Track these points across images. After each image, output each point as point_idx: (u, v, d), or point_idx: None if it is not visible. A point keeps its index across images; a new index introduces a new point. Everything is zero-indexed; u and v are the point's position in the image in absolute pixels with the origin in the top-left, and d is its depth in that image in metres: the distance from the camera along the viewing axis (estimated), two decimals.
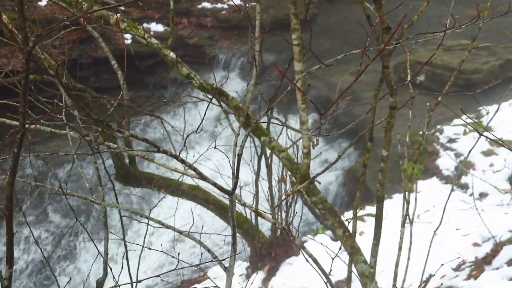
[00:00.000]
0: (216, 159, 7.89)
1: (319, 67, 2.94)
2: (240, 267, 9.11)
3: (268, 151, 8.06)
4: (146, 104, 14.36)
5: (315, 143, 3.57)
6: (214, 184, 3.33)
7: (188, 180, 8.22)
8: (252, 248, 8.47)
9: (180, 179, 7.79)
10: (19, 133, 1.84)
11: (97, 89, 13.68)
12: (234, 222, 3.45)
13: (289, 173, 8.28)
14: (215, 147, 3.36)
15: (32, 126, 4.38)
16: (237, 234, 7.99)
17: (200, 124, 3.01)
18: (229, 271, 3.65)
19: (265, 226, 9.60)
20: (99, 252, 4.25)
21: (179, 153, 3.07)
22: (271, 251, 8.29)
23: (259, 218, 8.33)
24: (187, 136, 3.08)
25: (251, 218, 8.36)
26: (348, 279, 5.17)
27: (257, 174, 7.87)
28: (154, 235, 10.51)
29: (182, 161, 3.12)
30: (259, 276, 8.48)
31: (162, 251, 4.93)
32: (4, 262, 2.05)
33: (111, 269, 5.16)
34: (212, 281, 4.86)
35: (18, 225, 12.50)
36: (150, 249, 4.86)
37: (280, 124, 4.00)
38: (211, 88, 4.88)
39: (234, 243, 3.51)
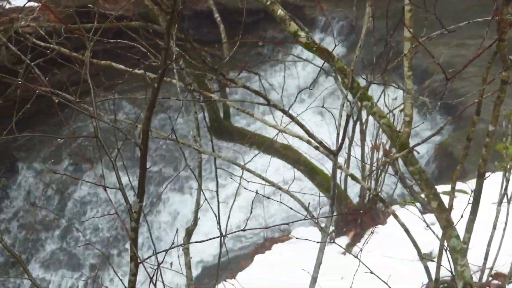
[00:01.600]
0: (307, 119, 7.88)
1: (440, 33, 2.87)
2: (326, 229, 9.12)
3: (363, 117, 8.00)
4: (242, 61, 14.43)
5: (430, 108, 3.49)
6: (320, 143, 3.31)
7: (280, 139, 8.23)
8: (338, 212, 8.46)
9: (274, 137, 7.81)
10: (160, 69, 1.85)
11: (196, 42, 13.77)
12: (335, 183, 3.44)
13: (382, 141, 8.20)
14: (323, 106, 3.33)
15: (139, 72, 4.45)
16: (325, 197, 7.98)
17: (314, 81, 2.99)
18: (324, 231, 3.65)
19: (351, 193, 9.55)
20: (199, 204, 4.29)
21: (289, 109, 3.06)
22: (358, 217, 8.25)
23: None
24: (300, 91, 3.07)
25: (340, 183, 8.34)
26: (440, 253, 5.09)
27: (351, 139, 7.82)
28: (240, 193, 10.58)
29: (290, 116, 3.11)
30: (343, 241, 8.47)
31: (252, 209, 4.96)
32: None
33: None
34: (298, 238, 4.88)
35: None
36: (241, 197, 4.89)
37: (397, 87, 3.93)
38: (318, 47, 4.83)
39: (333, 204, 3.51)
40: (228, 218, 5.43)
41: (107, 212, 12.34)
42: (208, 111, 8.26)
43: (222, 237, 5.77)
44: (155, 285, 2.20)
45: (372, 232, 3.89)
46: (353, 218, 8.41)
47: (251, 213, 2.74)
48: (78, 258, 12.14)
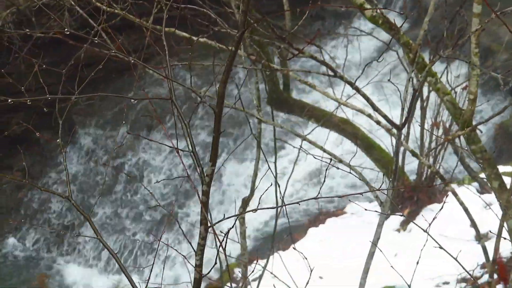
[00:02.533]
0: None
1: None
2: (379, 207, 9.08)
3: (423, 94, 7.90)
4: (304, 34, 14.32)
5: (503, 85, 3.44)
6: (385, 116, 3.28)
7: (339, 113, 8.20)
8: (389, 193, 8.40)
9: (334, 111, 7.76)
10: (239, 31, 1.86)
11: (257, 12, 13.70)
12: (398, 158, 3.41)
13: (442, 119, 8.10)
14: (388, 80, 3.29)
15: (203, 40, 4.46)
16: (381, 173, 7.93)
17: (383, 53, 2.96)
18: (384, 206, 3.63)
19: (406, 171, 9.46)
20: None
21: (355, 81, 3.04)
22: (414, 194, 8.19)
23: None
24: (367, 64, 3.04)
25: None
26: (499, 233, 5.02)
27: (411, 115, 7.73)
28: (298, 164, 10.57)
29: (357, 89, 3.09)
30: (398, 218, 8.42)
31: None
32: None
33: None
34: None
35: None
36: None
37: (468, 62, 3.87)
38: (383, 21, 4.78)
39: (394, 179, 3.48)
40: (286, 188, 5.45)
41: (164, 178, 12.47)
42: (268, 83, 8.25)
43: (279, 208, 5.80)
44: (224, 249, 2.22)
45: (442, 207, 3.83)
46: (409, 196, 8.35)
47: (324, 180, 2.72)
48: (136, 221, 12.29)
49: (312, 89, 3.67)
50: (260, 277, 6.50)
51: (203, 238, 2.21)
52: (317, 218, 9.59)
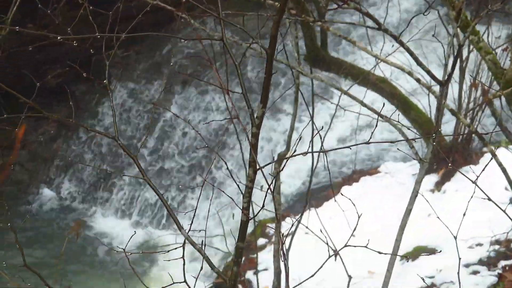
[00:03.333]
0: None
1: None
2: (414, 167, 9.03)
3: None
4: None
5: None
6: (428, 72, 3.25)
7: (376, 72, 8.13)
8: (429, 149, 8.35)
9: (372, 69, 7.70)
10: None
11: None
12: (440, 114, 3.38)
13: (481, 80, 8.00)
14: (433, 35, 3.24)
15: None
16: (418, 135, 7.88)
17: (429, 6, 2.91)
18: (423, 163, 3.62)
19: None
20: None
21: (399, 35, 3.01)
22: (450, 155, 8.14)
23: None
24: (414, 16, 2.99)
25: (431, 118, 8.23)
26: None
27: (450, 75, 7.64)
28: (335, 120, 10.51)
29: (401, 43, 3.05)
30: (433, 178, 8.39)
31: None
32: None
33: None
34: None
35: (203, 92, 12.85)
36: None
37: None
38: None
39: (436, 135, 3.46)
40: (322, 144, 5.43)
41: (196, 134, 12.50)
42: (305, 39, 8.20)
43: (320, 155, 5.78)
44: (272, 193, 2.23)
45: (488, 163, 3.79)
46: (445, 156, 8.30)
47: (373, 131, 2.69)
48: (174, 169, 12.34)
49: (346, 50, 3.61)
50: (294, 232, 6.53)
51: (251, 180, 2.22)
52: (351, 177, 9.59)
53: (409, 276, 6.87)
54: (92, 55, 12.64)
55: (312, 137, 5.23)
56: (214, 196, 10.84)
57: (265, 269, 7.55)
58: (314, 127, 5.06)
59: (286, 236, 7.03)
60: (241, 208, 2.32)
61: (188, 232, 2.57)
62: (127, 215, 12.15)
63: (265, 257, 7.74)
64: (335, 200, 4.42)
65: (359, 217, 2.99)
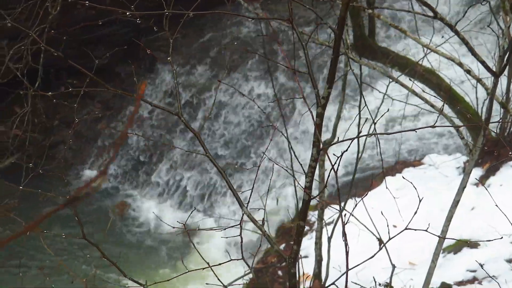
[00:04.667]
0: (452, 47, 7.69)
1: None
2: (458, 160, 8.96)
3: None
4: None
5: None
6: (482, 62, 3.21)
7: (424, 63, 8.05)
8: (480, 140, 8.27)
9: (419, 60, 7.62)
10: None
11: None
12: (491, 104, 3.35)
13: None
14: (488, 26, 3.19)
15: None
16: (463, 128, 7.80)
17: None
18: (473, 154, 3.59)
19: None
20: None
21: (455, 24, 2.98)
22: (495, 149, 8.04)
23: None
24: (469, 7, 2.96)
25: (478, 111, 8.15)
26: None
27: (505, 66, 7.54)
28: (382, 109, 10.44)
29: (457, 32, 3.02)
30: (477, 172, 8.31)
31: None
32: None
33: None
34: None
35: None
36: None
37: None
38: None
39: (487, 126, 3.42)
40: (369, 130, 5.42)
41: (241, 119, 12.53)
42: (353, 27, 8.14)
43: (361, 152, 5.78)
44: (336, 172, 2.24)
45: None
46: (490, 150, 8.20)
47: (438, 118, 2.68)
48: (226, 148, 12.40)
49: (393, 40, 3.58)
50: (336, 220, 6.53)
51: (314, 160, 2.23)
52: (394, 168, 9.54)
53: (451, 269, 6.83)
54: (134, 38, 12.74)
55: (359, 123, 5.22)
56: (257, 181, 10.87)
57: (306, 256, 7.56)
58: (365, 115, 5.05)
59: (329, 224, 7.03)
60: (303, 187, 2.33)
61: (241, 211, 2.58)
62: (167, 198, 12.24)
63: (306, 244, 7.75)
64: (386, 187, 4.41)
65: (420, 201, 2.97)
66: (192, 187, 12.22)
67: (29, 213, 11.22)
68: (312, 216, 8.13)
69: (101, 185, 12.16)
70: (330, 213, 7.06)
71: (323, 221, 6.16)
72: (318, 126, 2.14)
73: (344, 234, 2.60)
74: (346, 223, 2.72)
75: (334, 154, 2.19)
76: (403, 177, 3.97)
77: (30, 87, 8.42)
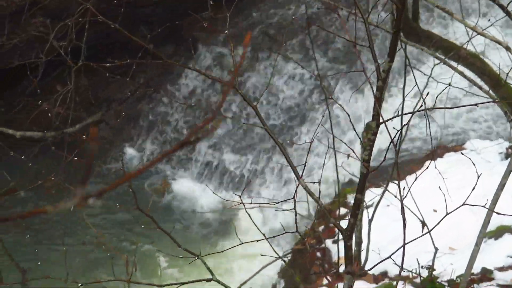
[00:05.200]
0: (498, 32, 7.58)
1: None
2: (501, 145, 8.88)
3: None
4: None
5: None
6: None
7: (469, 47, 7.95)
8: None
9: (464, 44, 7.52)
10: None
11: None
12: None
13: None
14: None
15: None
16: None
17: None
18: None
19: None
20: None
21: (507, 5, 2.94)
22: None
23: None
24: None
25: None
26: None
27: None
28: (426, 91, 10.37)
29: (508, 14, 2.99)
30: None
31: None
32: None
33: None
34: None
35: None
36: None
37: None
38: None
39: None
40: (412, 115, 5.38)
41: (278, 102, 12.53)
42: (397, 9, 8.06)
43: (404, 133, 5.74)
44: (395, 145, 2.24)
45: None
46: None
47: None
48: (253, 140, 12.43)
49: (438, 23, 3.55)
50: (377, 203, 6.52)
51: (374, 133, 2.23)
52: (435, 152, 9.48)
53: (492, 254, 6.78)
54: (176, 19, 12.79)
55: (403, 103, 5.20)
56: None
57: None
58: (404, 97, 5.02)
59: (369, 207, 7.03)
60: (361, 160, 2.34)
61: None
62: (207, 177, 12.31)
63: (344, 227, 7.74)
64: (435, 167, 4.38)
65: (478, 177, 2.97)
66: (231, 168, 12.26)
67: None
68: (352, 198, 8.12)
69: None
70: (371, 195, 7.05)
71: (364, 203, 6.15)
72: (378, 100, 2.14)
73: (402, 209, 2.60)
74: (404, 197, 2.73)
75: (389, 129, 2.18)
76: (461, 154, 3.95)
77: (73, 64, 8.52)
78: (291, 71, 12.89)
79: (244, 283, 6.71)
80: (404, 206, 2.62)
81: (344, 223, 7.63)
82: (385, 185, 6.20)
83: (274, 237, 3.03)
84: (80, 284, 3.18)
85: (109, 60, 4.17)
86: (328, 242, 7.69)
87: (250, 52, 13.32)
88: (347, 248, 2.81)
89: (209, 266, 3.22)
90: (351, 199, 8.20)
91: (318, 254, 7.76)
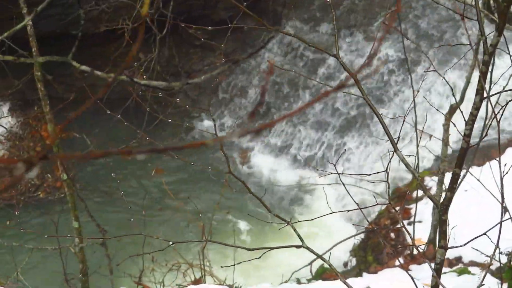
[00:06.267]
0: None
1: None
2: None
3: None
4: None
5: None
6: None
7: None
8: None
9: None
10: None
11: None
12: None
13: None
14: None
15: None
16: None
17: None
18: None
19: None
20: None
21: None
22: None
23: None
24: None
25: None
26: None
27: None
28: None
29: None
30: None
31: None
32: None
33: None
34: None
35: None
36: None
37: None
38: None
39: None
40: (498, 98, 5.27)
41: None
42: None
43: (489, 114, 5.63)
44: (498, 122, 2.22)
45: None
46: None
47: None
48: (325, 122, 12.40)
49: None
50: (456, 187, 6.42)
51: (476, 108, 2.21)
52: None
53: None
54: None
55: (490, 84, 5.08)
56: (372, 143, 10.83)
57: (419, 221, 7.48)
58: (491, 80, 4.91)
59: (447, 190, 6.93)
60: (463, 134, 2.32)
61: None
62: (284, 153, 12.33)
63: (420, 209, 7.67)
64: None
65: None
66: (309, 144, 12.25)
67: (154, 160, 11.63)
68: (431, 180, 8.04)
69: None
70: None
71: (443, 186, 6.08)
72: (484, 74, 2.11)
73: (501, 186, 2.56)
74: (505, 174, 2.69)
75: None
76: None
77: (158, 33, 8.62)
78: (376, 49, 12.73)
79: (325, 252, 6.75)
80: (503, 183, 2.58)
81: (419, 205, 7.53)
82: (466, 168, 6.09)
83: (366, 207, 3.02)
84: (171, 243, 3.25)
85: (199, 27, 4.20)
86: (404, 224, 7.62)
87: (333, 29, 13.19)
88: (442, 222, 2.81)
89: (299, 233, 3.26)
90: (428, 181, 8.10)
91: (392, 235, 7.71)
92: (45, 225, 9.44)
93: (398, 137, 2.93)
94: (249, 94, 13.26)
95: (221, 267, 3.81)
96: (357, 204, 3.25)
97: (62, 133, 11.26)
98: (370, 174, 2.97)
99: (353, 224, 9.22)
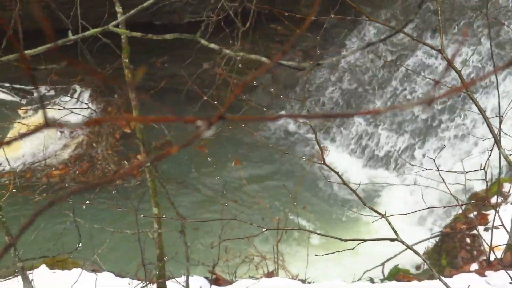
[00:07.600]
0: None
1: None
2: None
3: None
4: None
5: None
6: None
7: None
8: None
9: None
10: None
11: None
12: None
13: None
14: None
15: None
16: None
17: None
18: None
19: None
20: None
21: None
22: None
23: None
24: None
25: None
26: None
27: None
28: None
29: None
30: None
31: None
32: None
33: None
34: None
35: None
36: None
37: None
38: None
39: None
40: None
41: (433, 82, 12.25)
42: None
43: None
44: None
45: None
46: None
47: None
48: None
49: None
50: None
51: None
52: None
53: None
54: None
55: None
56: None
57: (496, 227, 7.34)
58: None
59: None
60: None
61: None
62: (358, 153, 12.29)
63: (500, 216, 7.53)
64: None
65: None
66: (384, 145, 12.16)
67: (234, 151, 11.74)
68: (509, 187, 7.87)
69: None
70: None
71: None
72: None
73: None
74: None
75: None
76: None
77: (241, 26, 8.70)
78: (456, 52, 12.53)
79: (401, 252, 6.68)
80: None
81: (500, 212, 7.39)
82: None
83: (449, 206, 3.00)
84: (264, 229, 3.31)
85: (289, 15, 4.23)
86: (480, 229, 7.50)
87: (415, 30, 13.05)
88: None
89: (393, 226, 3.27)
90: (507, 187, 7.94)
91: (468, 240, 7.59)
92: (121, 212, 9.66)
93: (500, 135, 2.90)
94: (328, 92, 13.25)
95: (315, 255, 3.84)
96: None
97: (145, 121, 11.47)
98: (467, 172, 2.94)
99: (429, 229, 9.14)
